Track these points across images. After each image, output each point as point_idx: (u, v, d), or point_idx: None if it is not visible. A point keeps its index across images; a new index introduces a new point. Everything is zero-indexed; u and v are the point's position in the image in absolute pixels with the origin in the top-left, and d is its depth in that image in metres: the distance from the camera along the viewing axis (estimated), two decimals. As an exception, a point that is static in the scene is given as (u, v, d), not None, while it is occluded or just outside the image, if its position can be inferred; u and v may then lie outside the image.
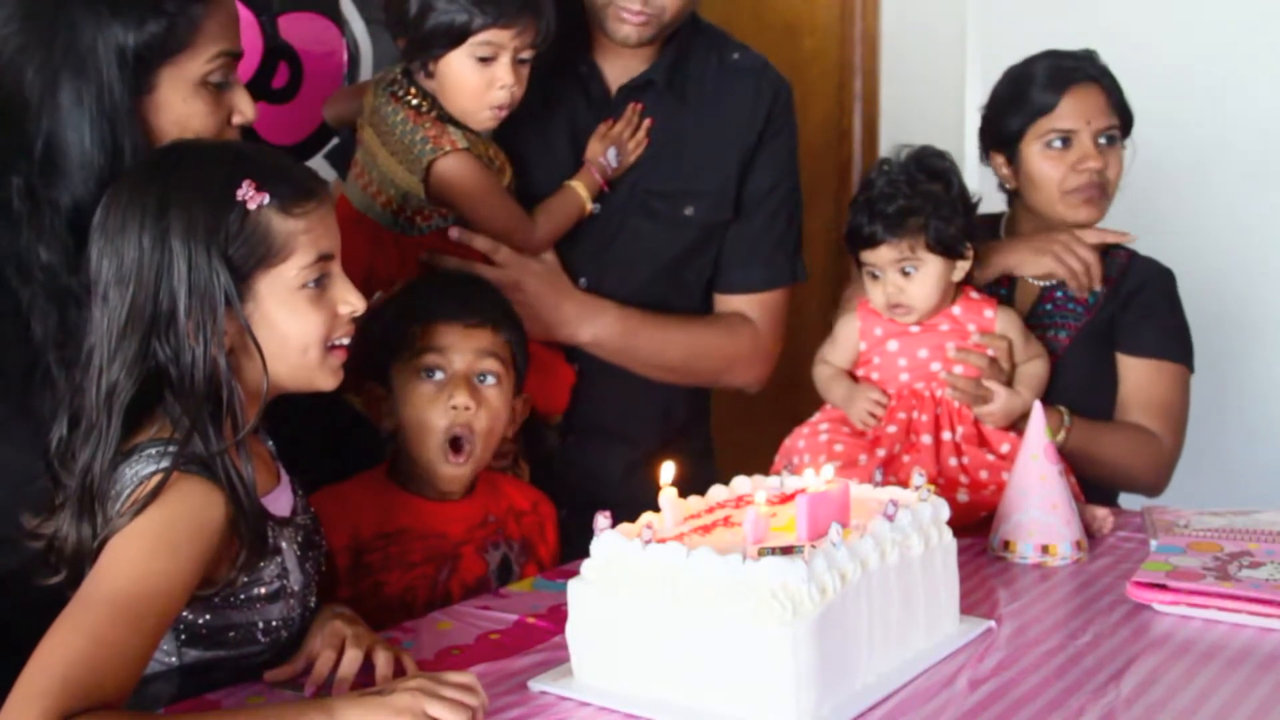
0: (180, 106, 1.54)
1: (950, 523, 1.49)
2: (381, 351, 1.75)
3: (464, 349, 1.74)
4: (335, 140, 2.49)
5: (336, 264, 1.42)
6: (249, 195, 1.33)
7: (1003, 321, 2.02)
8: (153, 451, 1.30)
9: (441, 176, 1.89)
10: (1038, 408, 1.83)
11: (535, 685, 1.37)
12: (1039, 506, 1.77)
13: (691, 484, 1.47)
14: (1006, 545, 1.79)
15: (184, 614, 1.34)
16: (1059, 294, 2.18)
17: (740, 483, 1.54)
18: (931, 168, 1.98)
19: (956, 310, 2.01)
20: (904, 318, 1.99)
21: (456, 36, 1.83)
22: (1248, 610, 1.51)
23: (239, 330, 1.35)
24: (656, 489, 1.41)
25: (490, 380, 1.76)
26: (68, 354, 1.42)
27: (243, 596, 1.37)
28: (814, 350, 2.10)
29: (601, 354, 2.07)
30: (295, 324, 1.38)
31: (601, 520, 1.35)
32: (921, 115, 3.46)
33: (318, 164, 2.48)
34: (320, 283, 1.39)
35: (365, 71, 2.59)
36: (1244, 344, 3.15)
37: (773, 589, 1.22)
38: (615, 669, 1.33)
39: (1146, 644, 1.47)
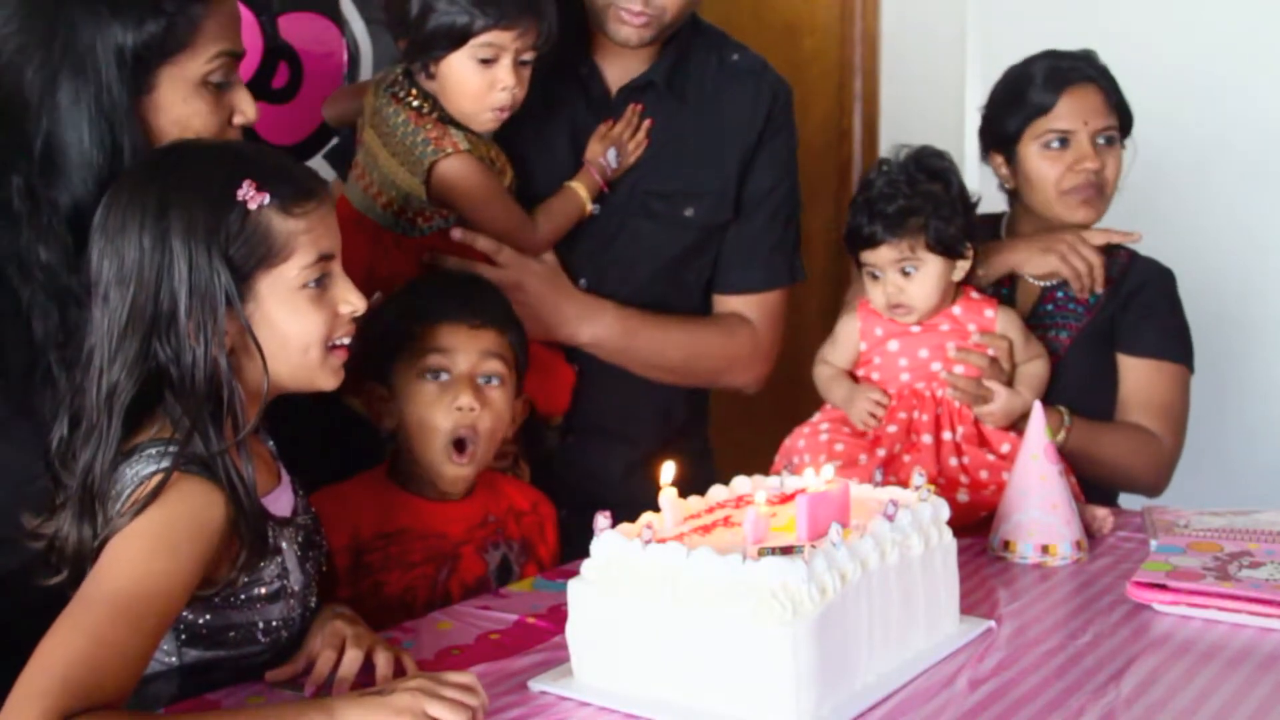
0: (180, 106, 1.54)
1: (950, 523, 1.49)
2: (383, 351, 1.75)
3: (469, 350, 1.74)
4: (335, 140, 2.49)
5: (337, 264, 1.42)
6: (249, 195, 1.33)
7: (1003, 321, 2.02)
8: (153, 451, 1.30)
9: (443, 178, 1.89)
10: (1038, 408, 1.83)
11: (535, 685, 1.37)
12: (1039, 506, 1.77)
13: (691, 484, 1.47)
14: (1006, 545, 1.79)
15: (184, 614, 1.34)
16: (1060, 294, 2.18)
17: (740, 483, 1.54)
18: (931, 167, 1.98)
19: (957, 310, 2.01)
20: (904, 318, 1.99)
21: (458, 38, 1.83)
22: (1248, 610, 1.51)
23: (240, 330, 1.35)
24: (656, 489, 1.41)
25: (494, 381, 1.76)
26: (68, 354, 1.42)
27: (243, 596, 1.37)
28: (814, 350, 2.10)
29: (601, 354, 2.07)
30: (296, 324, 1.38)
31: (601, 520, 1.35)
32: (921, 115, 3.46)
33: (317, 164, 2.48)
34: (321, 282, 1.39)
35: (365, 71, 2.59)
36: (1244, 344, 3.15)
37: (773, 589, 1.22)
38: (615, 669, 1.33)
39: (1146, 644, 1.47)
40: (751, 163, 2.14)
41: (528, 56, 1.88)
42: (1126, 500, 2.18)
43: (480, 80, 1.86)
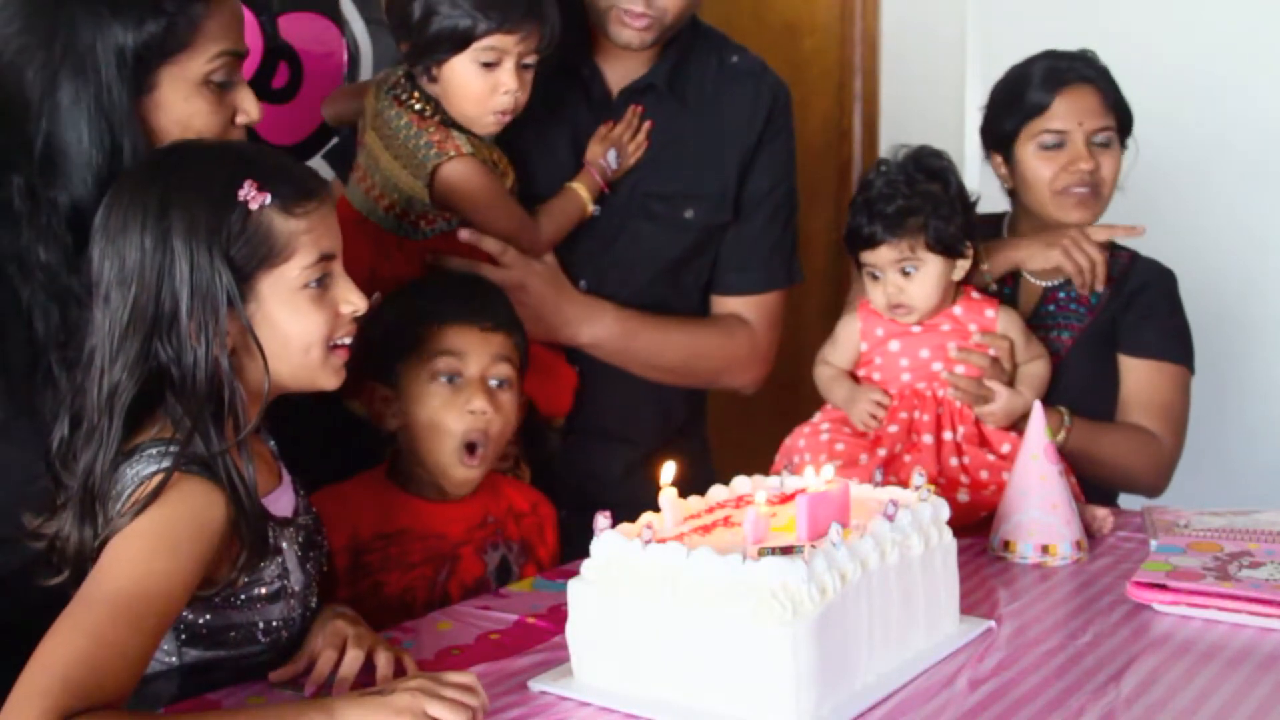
0: (182, 106, 1.54)
1: (950, 523, 1.49)
2: (388, 351, 1.74)
3: (480, 353, 1.74)
4: (335, 140, 2.49)
5: (338, 264, 1.42)
6: (250, 195, 1.33)
7: (1004, 321, 2.02)
8: (154, 451, 1.30)
9: (446, 181, 1.88)
10: (1038, 408, 1.83)
11: (535, 685, 1.37)
12: (1039, 506, 1.77)
13: (690, 483, 1.47)
14: (1006, 545, 1.79)
15: (184, 614, 1.34)
16: (1061, 294, 2.18)
17: (740, 483, 1.54)
18: (929, 167, 1.98)
19: (958, 310, 2.01)
20: (905, 318, 1.99)
21: (460, 41, 1.83)
22: (1248, 610, 1.51)
23: (241, 330, 1.35)
24: (656, 489, 1.41)
25: (503, 384, 1.76)
26: (69, 354, 1.42)
27: (243, 597, 1.37)
28: (814, 351, 2.10)
29: (600, 355, 2.07)
30: (297, 324, 1.38)
31: (601, 520, 1.35)
32: (921, 115, 3.46)
33: (317, 164, 2.48)
34: (322, 282, 1.39)
35: (365, 71, 2.59)
36: (1244, 344, 3.15)
37: (773, 589, 1.22)
38: (615, 669, 1.33)
39: (1146, 644, 1.47)
40: (751, 164, 2.14)
41: (530, 60, 1.87)
42: (1126, 500, 2.18)
43: (483, 84, 1.86)
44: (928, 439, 1.94)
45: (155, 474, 1.28)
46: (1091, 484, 2.02)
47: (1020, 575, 1.72)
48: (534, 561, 1.83)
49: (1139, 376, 2.14)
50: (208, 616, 1.37)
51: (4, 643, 1.24)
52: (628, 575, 1.31)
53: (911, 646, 1.40)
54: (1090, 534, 1.85)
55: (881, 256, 1.96)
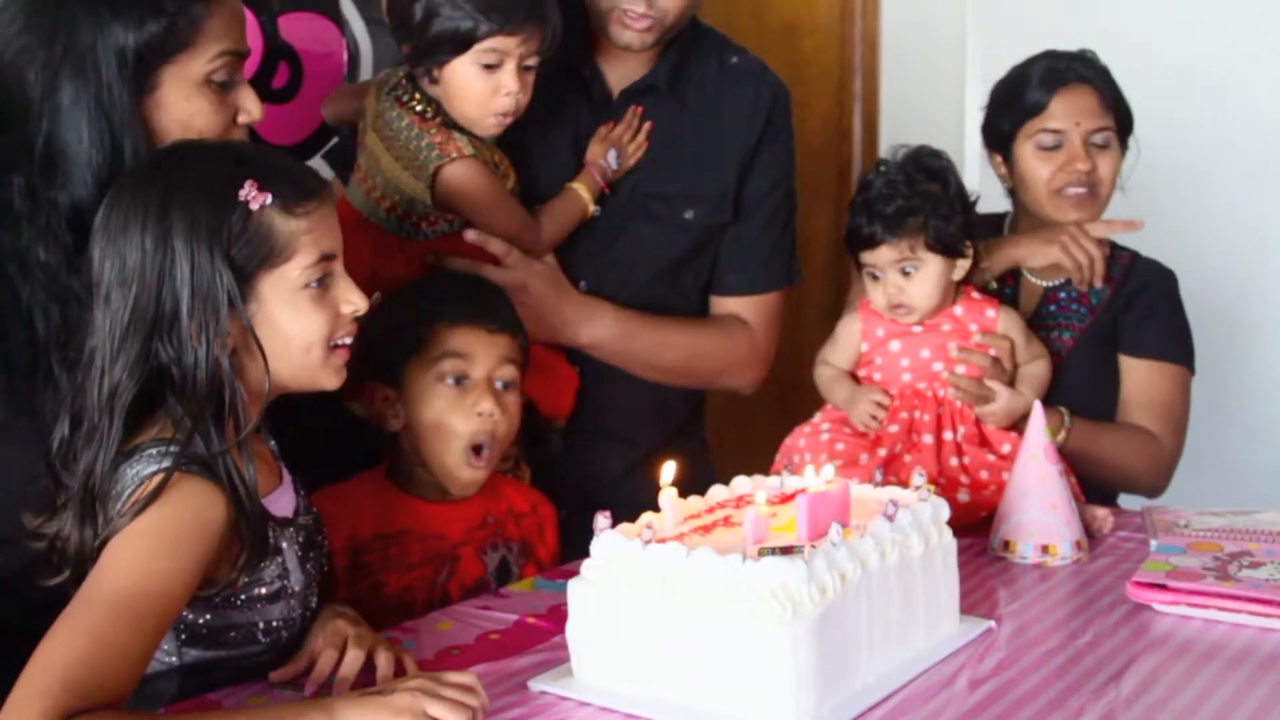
0: (183, 106, 1.54)
1: (950, 523, 1.49)
2: (391, 352, 1.74)
3: (487, 355, 1.74)
4: (334, 140, 2.49)
5: (339, 263, 1.42)
6: (251, 195, 1.33)
7: (1005, 321, 2.02)
8: (154, 451, 1.30)
9: (448, 183, 1.88)
10: (1038, 408, 1.83)
11: (535, 685, 1.37)
12: (1039, 506, 1.77)
13: (688, 483, 1.47)
14: (1006, 545, 1.79)
15: (184, 614, 1.34)
16: (1063, 294, 2.18)
17: (740, 483, 1.54)
18: (929, 167, 1.99)
19: (958, 310, 2.01)
20: (905, 318, 1.99)
21: (462, 43, 1.83)
22: (1248, 610, 1.51)
23: (241, 330, 1.35)
24: (656, 489, 1.41)
25: (509, 386, 1.76)
26: (69, 354, 1.42)
27: (243, 597, 1.37)
28: (814, 351, 2.10)
29: (600, 356, 2.07)
30: (298, 324, 1.38)
31: (601, 520, 1.35)
32: (921, 115, 3.46)
33: (317, 164, 2.48)
34: (323, 282, 1.39)
35: (365, 71, 2.59)
36: (1244, 344, 3.15)
37: (773, 589, 1.22)
38: (615, 669, 1.33)
39: (1146, 644, 1.47)
40: (751, 165, 2.14)
41: (531, 62, 1.87)
42: (1126, 500, 2.18)
43: (484, 85, 1.85)
44: (928, 439, 1.94)
45: (155, 474, 1.28)
46: (1091, 484, 2.02)
47: (1020, 575, 1.72)
48: (534, 562, 1.83)
49: (1139, 377, 2.14)
50: (208, 616, 1.37)
51: (4, 643, 1.24)
52: (628, 575, 1.31)
53: (911, 646, 1.40)
54: (1090, 534, 1.85)
55: (881, 256, 1.97)
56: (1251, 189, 3.16)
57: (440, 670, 1.30)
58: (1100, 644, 1.47)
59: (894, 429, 1.96)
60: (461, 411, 1.72)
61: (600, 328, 2.05)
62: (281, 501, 1.44)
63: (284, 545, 1.41)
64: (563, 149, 2.06)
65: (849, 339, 2.05)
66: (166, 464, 1.28)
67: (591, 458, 2.09)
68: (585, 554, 1.36)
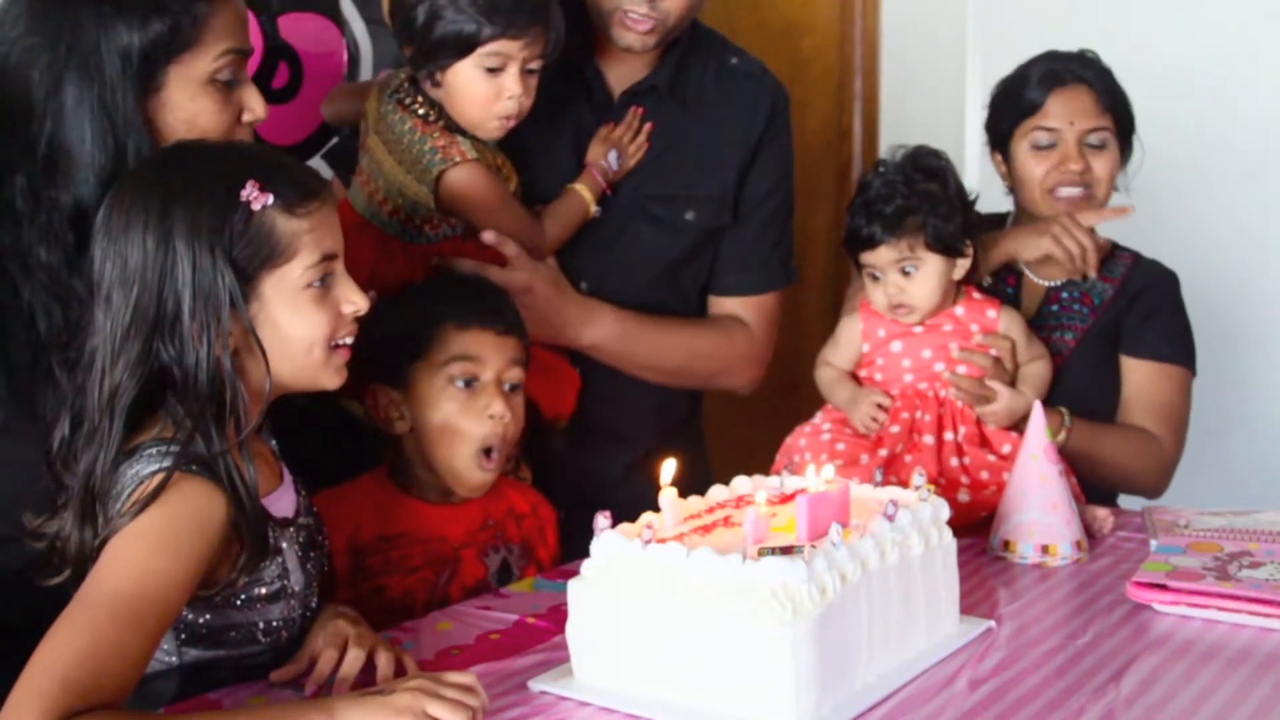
0: (188, 105, 1.54)
1: (951, 523, 1.49)
2: (396, 354, 1.73)
3: (497, 357, 1.74)
4: (334, 140, 2.49)
5: (340, 263, 1.42)
6: (253, 196, 1.33)
7: (1005, 321, 2.02)
8: (154, 451, 1.30)
9: (452, 187, 1.88)
10: (1038, 408, 1.83)
11: (535, 685, 1.37)
12: (1039, 506, 1.77)
13: (686, 481, 1.47)
14: (1006, 545, 1.79)
15: (184, 614, 1.34)
16: (1065, 295, 2.18)
17: (740, 483, 1.54)
18: (927, 166, 1.99)
19: (959, 310, 2.01)
20: (906, 318, 1.99)
21: (465, 46, 1.82)
22: (1248, 610, 1.51)
23: (243, 331, 1.35)
24: (656, 489, 1.41)
25: (515, 387, 1.76)
26: (70, 354, 1.42)
27: (243, 597, 1.37)
28: (814, 352, 2.10)
29: (601, 357, 2.08)
30: (300, 324, 1.38)
31: (601, 520, 1.35)
32: (921, 115, 3.46)
33: (317, 164, 2.48)
34: (324, 282, 1.39)
35: (365, 71, 2.59)
36: (1244, 344, 3.15)
37: (773, 589, 1.22)
38: (615, 669, 1.33)
39: (1146, 644, 1.47)
40: (750, 166, 2.14)
41: (534, 65, 1.87)
42: (1126, 500, 2.18)
43: (487, 89, 1.85)
44: (929, 439, 1.94)
45: (155, 474, 1.28)
46: (1091, 484, 2.02)
47: (1020, 575, 1.72)
48: (535, 563, 1.83)
49: (1141, 377, 2.14)
50: (208, 616, 1.37)
51: (4, 643, 1.24)
52: (628, 575, 1.31)
53: (911, 646, 1.40)
54: (1090, 534, 1.85)
55: (881, 257, 1.97)
56: (1251, 189, 3.16)
57: (440, 670, 1.30)
58: (1100, 644, 1.47)
59: (895, 429, 1.96)
60: (472, 414, 1.72)
61: (601, 329, 2.05)
62: (282, 501, 1.44)
63: (284, 545, 1.41)
64: (563, 150, 2.06)
65: (850, 340, 2.05)
66: (167, 464, 1.28)
67: (591, 458, 2.09)
68: (585, 554, 1.36)
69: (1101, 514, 1.90)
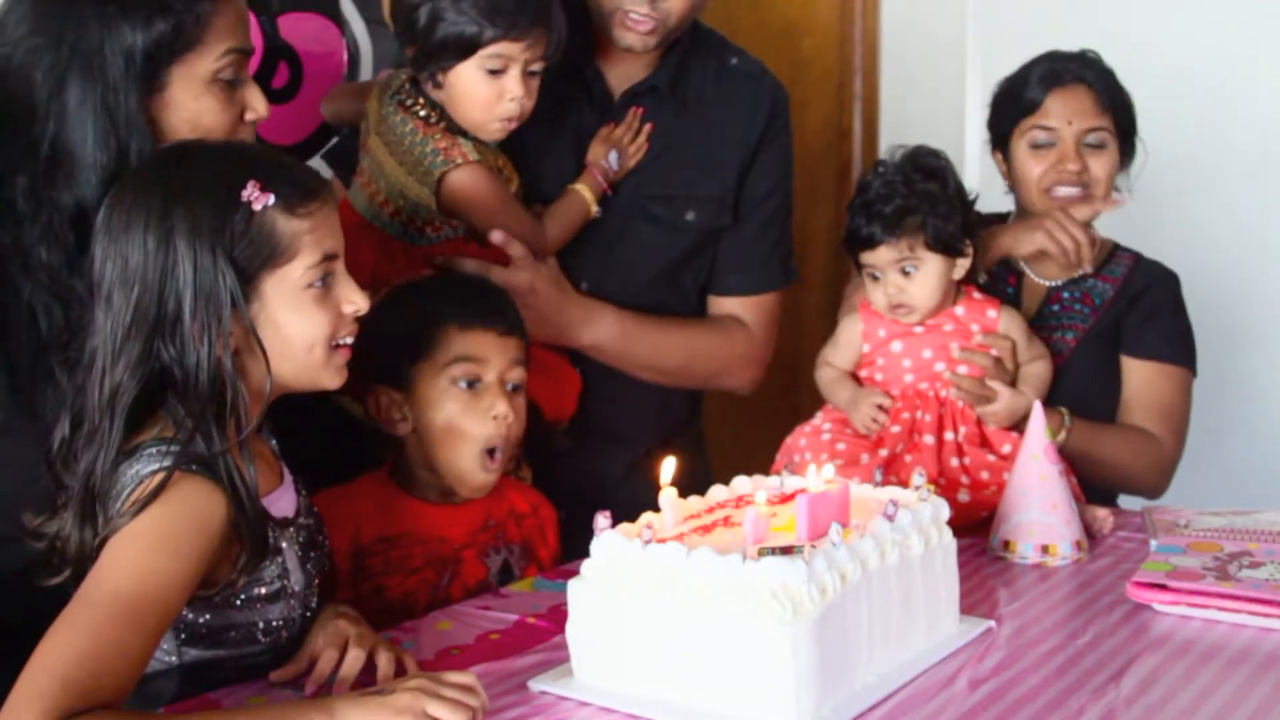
0: (192, 104, 1.54)
1: (951, 523, 1.49)
2: (398, 355, 1.73)
3: (499, 358, 1.74)
4: (334, 140, 2.49)
5: (340, 263, 1.42)
6: (254, 196, 1.33)
7: (1006, 322, 2.02)
8: (154, 451, 1.30)
9: (454, 189, 1.88)
10: (1038, 408, 1.83)
11: (535, 685, 1.37)
12: (1039, 506, 1.77)
13: (685, 481, 1.47)
14: (1006, 545, 1.79)
15: (184, 613, 1.34)
16: (1065, 295, 2.18)
17: (740, 483, 1.54)
18: (927, 166, 1.99)
19: (960, 310, 2.01)
20: (906, 318, 1.99)
21: (466, 48, 1.82)
22: (1248, 610, 1.51)
23: (244, 331, 1.35)
24: (656, 489, 1.41)
25: (518, 388, 1.76)
26: (70, 354, 1.42)
27: (243, 596, 1.37)
28: (814, 352, 2.10)
29: (601, 358, 2.08)
30: (301, 324, 1.38)
31: (601, 520, 1.35)
32: (921, 115, 3.46)
33: (317, 164, 2.48)
34: (325, 282, 1.39)
35: (365, 71, 2.59)
36: (1244, 344, 3.15)
37: (773, 589, 1.22)
38: (615, 669, 1.33)
39: (1146, 644, 1.47)
40: (750, 167, 2.14)
41: (536, 67, 1.86)
42: (1126, 500, 2.18)
43: (489, 90, 1.85)
44: (929, 439, 1.94)
45: (155, 473, 1.28)
46: (1092, 484, 2.02)
47: (1020, 575, 1.72)
48: (535, 564, 1.83)
49: (1141, 378, 2.14)
50: (207, 616, 1.37)
51: (4, 643, 1.24)
52: (628, 575, 1.31)
53: (911, 646, 1.40)
54: (1090, 534, 1.85)
55: (881, 257, 1.97)
56: (1251, 189, 3.16)
57: (440, 670, 1.30)
58: (1100, 644, 1.47)
59: (895, 429, 1.96)
60: (476, 415, 1.72)
61: (601, 329, 2.05)
62: (282, 501, 1.44)
63: (284, 545, 1.41)
64: (564, 150, 2.06)
65: (850, 340, 2.05)
66: (167, 463, 1.28)
67: (591, 458, 2.09)
68: (585, 554, 1.36)
69: (1101, 514, 1.90)
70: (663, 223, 2.10)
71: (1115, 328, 2.16)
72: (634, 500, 1.47)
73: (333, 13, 2.56)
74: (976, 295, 2.04)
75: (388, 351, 1.70)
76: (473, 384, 1.73)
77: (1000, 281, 2.19)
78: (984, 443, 1.96)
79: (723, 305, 2.19)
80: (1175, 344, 2.16)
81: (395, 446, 1.78)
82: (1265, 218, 3.16)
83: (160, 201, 1.32)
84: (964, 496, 1.90)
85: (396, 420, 1.75)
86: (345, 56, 2.58)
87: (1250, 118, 3.15)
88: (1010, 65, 2.25)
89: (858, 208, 1.99)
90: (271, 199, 1.34)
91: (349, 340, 1.44)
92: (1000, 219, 2.28)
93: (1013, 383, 1.99)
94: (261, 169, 1.36)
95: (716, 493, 1.51)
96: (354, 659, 1.37)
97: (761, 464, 1.82)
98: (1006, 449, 1.93)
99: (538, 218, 1.99)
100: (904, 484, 1.58)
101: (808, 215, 2.28)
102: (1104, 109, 2.15)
